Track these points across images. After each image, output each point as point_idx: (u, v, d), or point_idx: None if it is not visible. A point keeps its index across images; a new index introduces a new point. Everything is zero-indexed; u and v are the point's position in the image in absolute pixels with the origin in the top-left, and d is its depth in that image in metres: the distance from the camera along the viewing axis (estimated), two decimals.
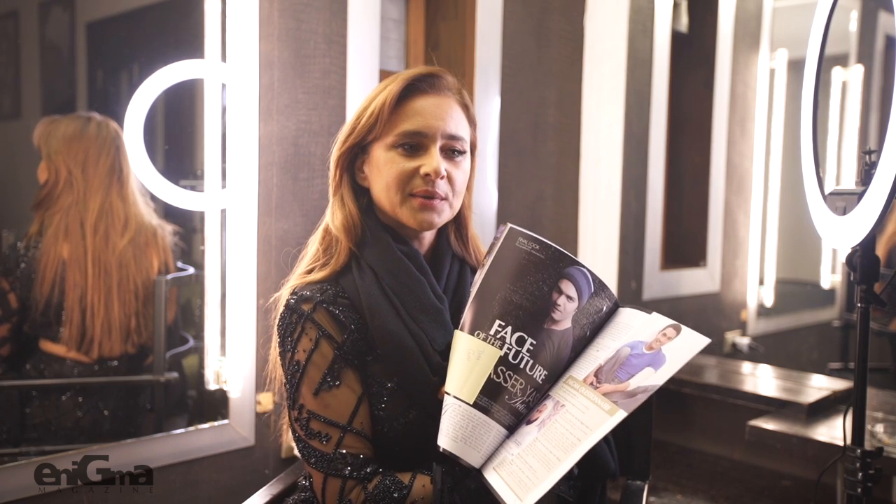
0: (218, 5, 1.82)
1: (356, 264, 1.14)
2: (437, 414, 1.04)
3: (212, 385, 1.88)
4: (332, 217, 1.18)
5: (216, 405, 1.91)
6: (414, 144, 1.13)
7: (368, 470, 1.08)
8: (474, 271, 1.24)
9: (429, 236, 1.21)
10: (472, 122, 1.19)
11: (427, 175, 1.11)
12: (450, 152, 1.14)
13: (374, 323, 1.10)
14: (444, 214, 1.15)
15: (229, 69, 1.84)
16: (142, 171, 1.88)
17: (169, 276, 1.93)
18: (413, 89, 1.13)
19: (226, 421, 1.90)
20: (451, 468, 1.04)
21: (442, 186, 1.13)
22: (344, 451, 1.07)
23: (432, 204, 1.13)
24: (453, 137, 1.14)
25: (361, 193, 1.19)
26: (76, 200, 1.81)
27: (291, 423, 1.13)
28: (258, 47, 1.87)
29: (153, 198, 1.91)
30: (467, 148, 1.18)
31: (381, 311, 1.10)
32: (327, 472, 1.07)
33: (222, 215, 1.87)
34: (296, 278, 1.19)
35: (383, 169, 1.13)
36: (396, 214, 1.14)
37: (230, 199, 1.86)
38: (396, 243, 1.16)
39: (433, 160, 1.12)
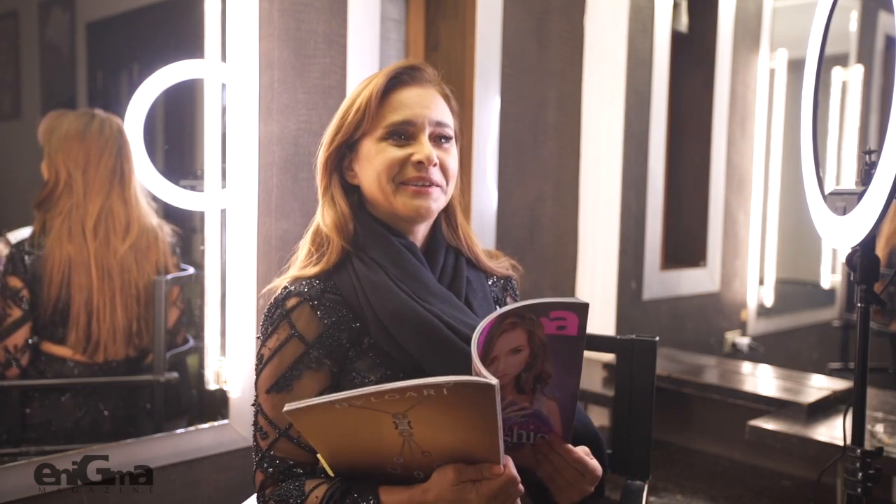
0: (218, 5, 1.82)
1: (355, 261, 1.14)
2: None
3: (212, 385, 1.88)
4: (323, 217, 1.18)
5: (216, 405, 1.91)
6: (403, 134, 1.14)
7: (289, 473, 1.11)
8: (469, 262, 1.25)
9: (423, 229, 1.21)
10: (454, 113, 1.21)
11: (420, 162, 1.12)
12: (438, 139, 1.16)
13: (387, 309, 1.09)
14: (440, 201, 1.17)
15: (229, 69, 1.83)
16: (142, 171, 1.88)
17: (169, 277, 1.93)
18: (396, 82, 1.15)
19: (226, 421, 1.90)
20: (343, 484, 1.01)
21: (435, 174, 1.14)
22: (272, 453, 1.11)
23: (427, 191, 1.14)
24: (440, 124, 1.16)
25: (351, 192, 1.20)
26: (76, 204, 1.80)
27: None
28: (258, 47, 1.87)
29: (154, 198, 1.91)
30: (453, 134, 1.19)
31: (393, 296, 1.10)
32: (257, 465, 1.13)
33: (222, 215, 1.87)
34: (291, 271, 1.20)
35: (374, 160, 1.14)
36: (391, 205, 1.15)
37: (230, 199, 1.86)
38: (393, 237, 1.16)
39: (424, 147, 1.13)
